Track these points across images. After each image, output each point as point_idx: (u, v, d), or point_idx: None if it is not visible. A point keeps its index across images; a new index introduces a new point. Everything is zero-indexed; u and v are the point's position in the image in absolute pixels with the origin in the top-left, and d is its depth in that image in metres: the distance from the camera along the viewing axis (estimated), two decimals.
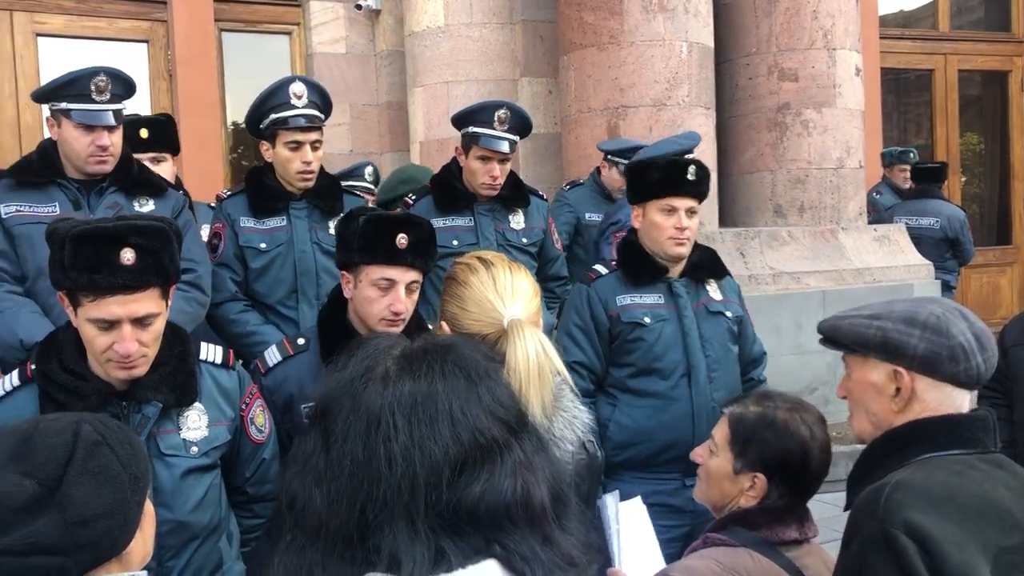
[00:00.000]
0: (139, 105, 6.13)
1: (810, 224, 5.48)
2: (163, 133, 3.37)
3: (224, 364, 1.96)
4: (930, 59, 8.12)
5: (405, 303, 2.11)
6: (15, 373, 1.83)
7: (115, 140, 2.60)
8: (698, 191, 2.61)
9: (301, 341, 2.24)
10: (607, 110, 5.05)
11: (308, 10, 6.38)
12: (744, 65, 5.61)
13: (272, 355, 2.24)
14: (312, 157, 2.82)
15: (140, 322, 1.70)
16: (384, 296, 2.10)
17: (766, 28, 5.50)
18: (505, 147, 3.02)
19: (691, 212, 2.58)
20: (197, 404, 1.86)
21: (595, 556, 0.95)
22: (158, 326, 1.75)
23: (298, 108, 2.81)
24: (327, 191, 2.93)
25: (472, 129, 3.00)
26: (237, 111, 6.51)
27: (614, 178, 4.41)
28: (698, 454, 1.82)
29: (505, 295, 1.62)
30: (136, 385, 1.78)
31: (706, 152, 5.11)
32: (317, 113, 2.85)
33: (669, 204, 2.55)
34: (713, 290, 2.70)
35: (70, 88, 2.53)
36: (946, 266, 5.94)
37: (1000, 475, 1.35)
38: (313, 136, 2.83)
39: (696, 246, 2.70)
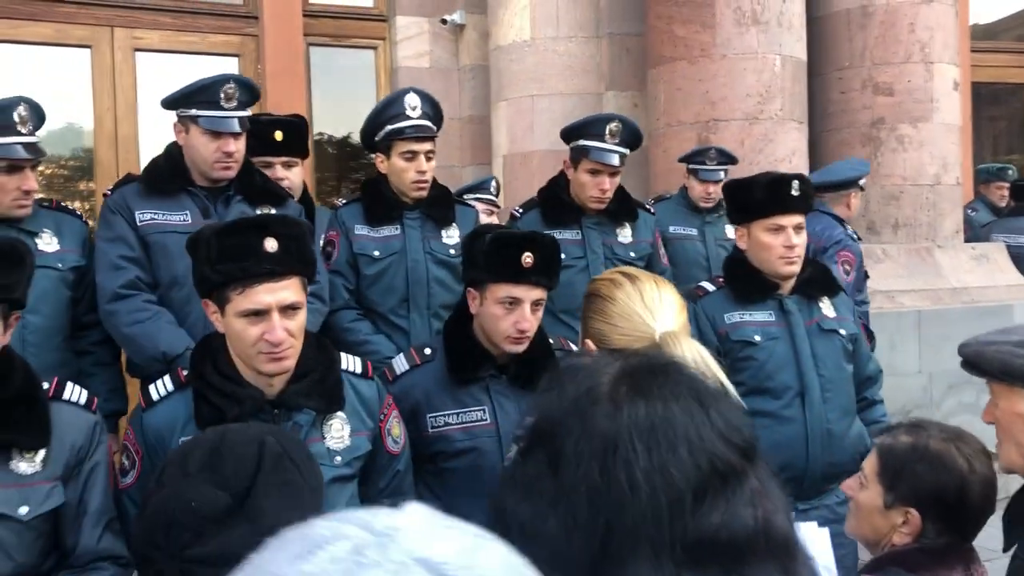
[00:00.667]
0: None
1: (905, 242, 5.34)
2: (298, 136, 3.25)
3: (364, 374, 1.99)
4: (1021, 72, 7.87)
5: (531, 321, 2.12)
6: (167, 378, 1.88)
7: (240, 147, 2.64)
8: (804, 206, 2.56)
9: (428, 351, 2.27)
10: (697, 123, 4.99)
11: (394, 25, 6.46)
12: (837, 79, 5.50)
13: (400, 363, 2.27)
14: (426, 167, 2.86)
15: (287, 311, 1.74)
16: (510, 314, 2.11)
17: (860, 41, 5.39)
18: (616, 160, 2.99)
19: (799, 228, 2.53)
20: (340, 413, 1.88)
21: None
22: (302, 317, 1.80)
23: (413, 119, 2.85)
24: (440, 201, 2.96)
25: (583, 142, 2.99)
26: (323, 123, 6.61)
27: (693, 187, 4.32)
28: (848, 486, 1.74)
29: (654, 308, 1.60)
30: (287, 392, 1.81)
31: (799, 167, 5.01)
32: (430, 124, 2.89)
33: (776, 223, 2.50)
34: (826, 307, 2.64)
35: (200, 95, 2.59)
36: None
37: None
38: (427, 146, 2.87)
39: (808, 261, 2.64)
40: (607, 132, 2.99)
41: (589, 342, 1.67)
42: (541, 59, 5.74)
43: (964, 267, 5.37)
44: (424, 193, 2.91)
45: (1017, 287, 5.46)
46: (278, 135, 3.11)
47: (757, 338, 2.50)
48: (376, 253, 2.91)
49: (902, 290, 5.13)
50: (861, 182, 4.36)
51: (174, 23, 6.05)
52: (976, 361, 1.45)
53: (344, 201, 3.07)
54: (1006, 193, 6.07)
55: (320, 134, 6.53)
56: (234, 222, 1.78)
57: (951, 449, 1.61)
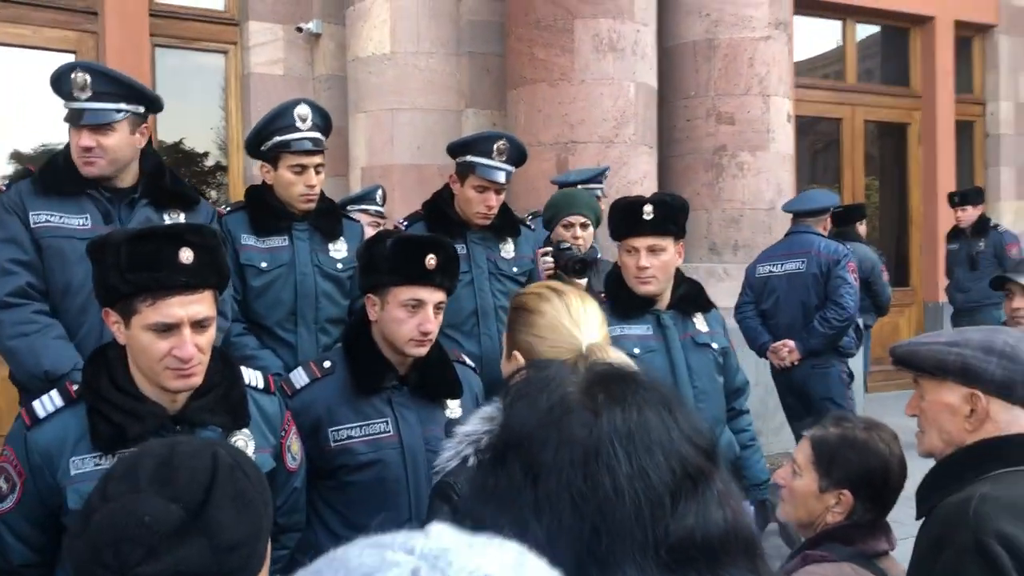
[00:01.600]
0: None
1: (744, 262, 5.68)
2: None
3: (266, 389, 1.93)
4: (839, 108, 8.57)
5: (434, 323, 2.14)
6: (55, 393, 1.75)
7: (107, 142, 2.47)
8: (659, 228, 2.64)
9: (327, 364, 2.23)
10: (557, 144, 5.14)
11: (246, 30, 6.28)
12: (684, 107, 5.81)
13: (299, 377, 2.21)
14: (315, 180, 2.81)
15: (197, 325, 1.67)
16: (413, 317, 2.13)
17: (705, 73, 5.72)
18: (502, 177, 3.05)
19: (653, 250, 2.62)
20: (245, 430, 1.82)
21: None
22: (211, 332, 1.72)
23: (302, 131, 2.79)
24: (328, 214, 2.91)
25: (470, 158, 3.02)
26: (169, 128, 6.32)
27: None
28: (781, 476, 1.92)
29: (580, 320, 1.65)
30: (191, 408, 1.73)
31: (649, 190, 5.25)
32: (321, 136, 2.84)
33: (630, 244, 2.63)
34: (700, 322, 2.79)
35: (58, 87, 2.45)
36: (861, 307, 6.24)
37: None
38: (317, 159, 2.82)
39: (683, 279, 2.79)
40: (495, 150, 3.04)
41: (517, 354, 1.70)
42: (401, 73, 5.75)
43: None
44: (312, 206, 2.85)
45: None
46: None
47: (636, 351, 2.60)
48: (264, 264, 2.83)
49: None
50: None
51: (2, 13, 5.63)
52: (910, 359, 1.63)
53: (229, 208, 2.95)
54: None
55: (163, 140, 6.24)
56: (148, 229, 1.69)
57: (873, 436, 1.83)
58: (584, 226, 3.41)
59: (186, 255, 1.64)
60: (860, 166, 8.74)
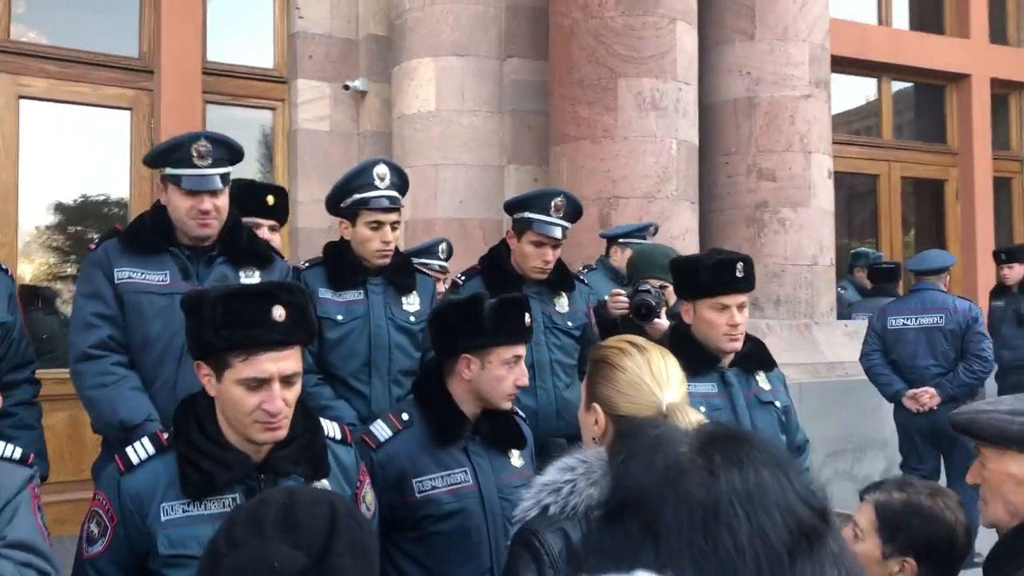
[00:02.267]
0: (121, 173, 6.09)
1: (786, 318, 5.69)
2: (286, 202, 3.34)
3: (343, 440, 1.98)
4: (875, 164, 8.59)
5: (527, 374, 2.29)
6: (146, 441, 1.81)
7: (220, 204, 2.60)
8: (747, 285, 2.73)
9: (405, 416, 2.30)
10: (599, 200, 5.21)
11: (294, 88, 6.45)
12: (724, 163, 5.87)
13: (382, 430, 2.27)
14: (391, 236, 2.89)
15: (286, 380, 1.73)
16: (511, 372, 2.24)
17: (746, 129, 5.79)
18: (559, 233, 3.11)
19: (741, 307, 2.69)
20: (324, 480, 1.86)
21: None
22: (298, 386, 1.78)
23: (380, 190, 2.88)
24: (402, 268, 2.99)
25: (527, 214, 3.09)
26: None
27: (619, 258, 4.53)
28: None
29: (661, 379, 1.68)
30: (274, 457, 1.78)
31: (691, 245, 5.29)
32: (397, 195, 2.93)
33: (721, 302, 2.66)
34: (762, 380, 2.80)
35: (173, 153, 2.55)
36: None
37: None
38: (393, 217, 2.91)
39: (746, 337, 2.80)
40: (552, 206, 3.11)
41: (597, 407, 1.73)
42: (445, 130, 5.87)
43: (839, 342, 5.76)
44: (387, 261, 2.94)
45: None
46: (271, 199, 3.18)
47: (702, 409, 2.61)
48: (339, 317, 2.91)
49: (785, 363, 5.41)
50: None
51: (62, 71, 5.83)
52: (970, 428, 1.62)
53: (307, 264, 3.05)
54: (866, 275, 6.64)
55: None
56: (242, 287, 1.76)
57: (939, 503, 1.82)
58: (663, 287, 3.45)
59: (279, 312, 1.70)
60: (898, 222, 8.73)
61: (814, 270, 5.78)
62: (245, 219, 2.90)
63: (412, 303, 3.00)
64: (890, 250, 8.46)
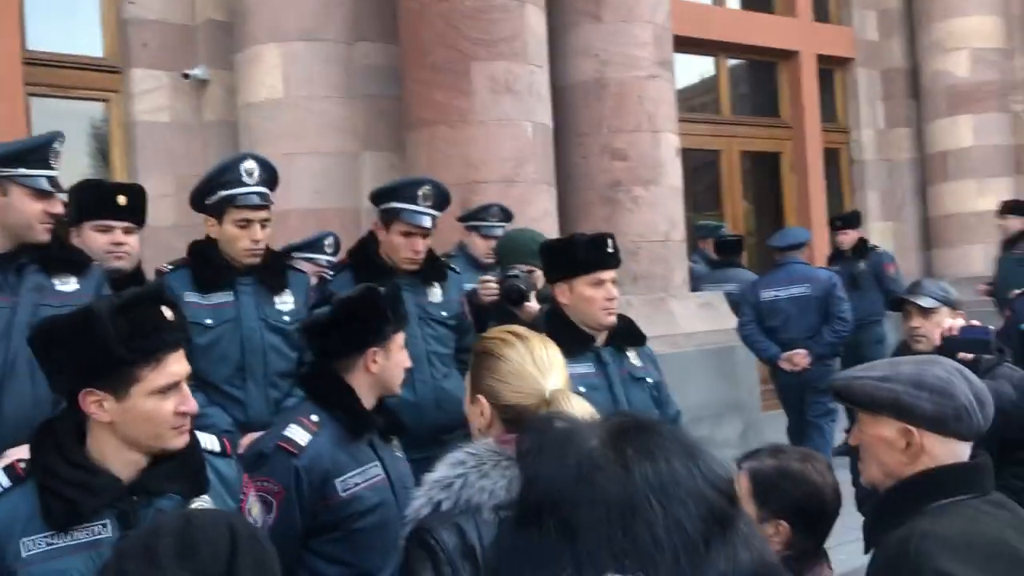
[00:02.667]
0: None
1: (643, 293, 5.85)
2: (141, 202, 3.04)
3: (222, 452, 1.89)
4: (716, 140, 8.95)
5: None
6: (1, 473, 1.66)
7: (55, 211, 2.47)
8: (618, 261, 2.81)
9: (315, 418, 2.25)
10: (459, 185, 5.15)
11: (129, 77, 6.09)
12: (578, 145, 5.96)
13: (300, 434, 2.21)
14: (260, 235, 2.78)
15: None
16: (405, 358, 2.40)
17: (597, 111, 5.89)
18: (428, 222, 3.07)
19: (615, 282, 2.76)
20: (205, 496, 1.77)
21: None
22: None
23: (249, 186, 2.75)
24: (273, 266, 2.87)
25: (395, 204, 3.03)
26: None
27: (476, 244, 4.51)
28: None
29: (543, 367, 1.70)
30: (147, 476, 1.69)
31: (551, 227, 5.36)
32: (267, 190, 2.81)
33: (597, 278, 2.72)
34: (634, 357, 2.88)
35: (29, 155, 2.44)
36: None
37: (1004, 515, 1.57)
38: (263, 214, 2.79)
39: (617, 316, 2.87)
40: (420, 195, 3.06)
41: (482, 398, 1.73)
42: (296, 117, 5.69)
43: (693, 314, 5.99)
44: (257, 260, 2.82)
45: (735, 330, 6.17)
46: (121, 199, 2.93)
47: (582, 389, 2.66)
48: (209, 321, 2.78)
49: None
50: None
51: None
52: (845, 394, 1.69)
53: (171, 266, 2.88)
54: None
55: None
56: (131, 296, 1.67)
57: (808, 467, 1.91)
58: (531, 272, 3.48)
59: (168, 312, 1.65)
60: (738, 195, 9.14)
61: (667, 245, 5.97)
62: (97, 222, 2.77)
63: (286, 302, 2.90)
64: (733, 222, 8.86)
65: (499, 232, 4.30)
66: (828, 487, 1.90)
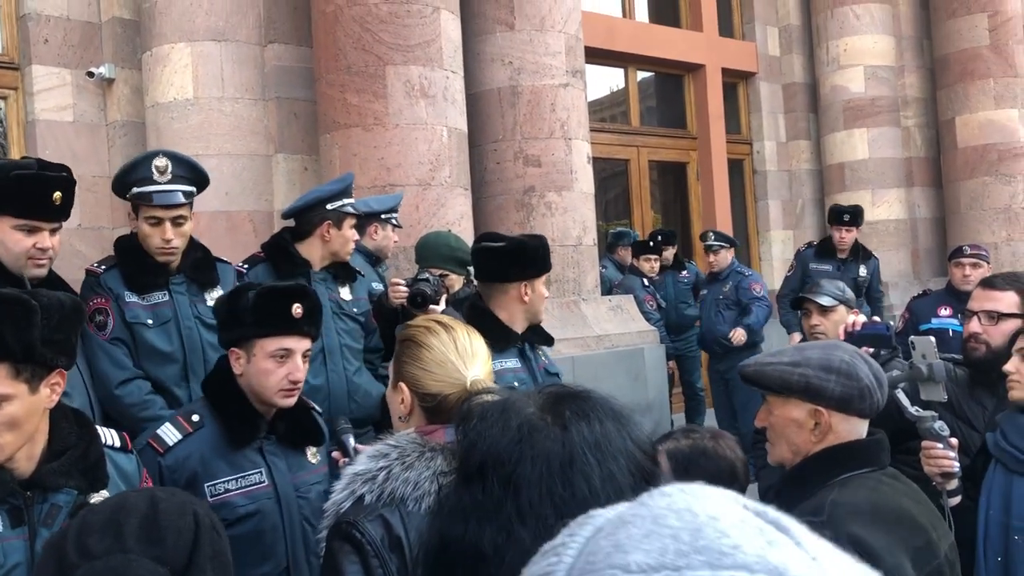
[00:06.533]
0: None
1: (556, 296, 5.95)
2: (72, 196, 2.62)
3: (123, 448, 1.87)
4: (625, 150, 9.17)
5: (303, 371, 2.14)
6: None
7: None
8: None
9: (195, 418, 2.18)
10: (374, 188, 5.19)
11: (29, 74, 5.89)
12: (493, 150, 6.03)
13: (170, 433, 2.13)
14: (172, 234, 2.73)
15: None
16: (281, 367, 2.12)
17: (511, 117, 5.98)
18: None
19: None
20: (103, 491, 1.75)
21: None
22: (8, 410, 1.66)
23: (160, 184, 2.70)
24: (203, 263, 2.83)
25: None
26: None
27: (390, 237, 4.48)
28: None
29: (466, 357, 1.72)
30: (42, 471, 1.65)
31: (466, 230, 5.41)
32: (183, 188, 2.75)
33: (536, 284, 2.91)
34: (543, 354, 2.97)
35: None
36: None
37: (899, 486, 1.70)
38: (175, 212, 2.73)
39: None
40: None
41: (403, 385, 1.74)
42: (206, 118, 5.60)
43: (604, 317, 6.11)
44: (171, 260, 2.78)
45: (644, 332, 6.32)
46: (57, 197, 2.47)
47: (516, 384, 2.72)
48: (150, 321, 2.75)
49: (559, 339, 5.69)
50: None
51: None
52: (757, 379, 1.79)
53: (102, 266, 2.81)
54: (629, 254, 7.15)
55: None
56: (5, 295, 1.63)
57: (720, 444, 2.02)
58: (443, 276, 3.51)
59: None
60: (647, 203, 9.37)
61: (579, 250, 6.09)
62: (20, 220, 2.44)
63: (216, 298, 2.87)
64: (642, 228, 9.07)
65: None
66: (739, 461, 2.01)
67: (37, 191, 2.43)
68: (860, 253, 6.55)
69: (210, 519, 1.11)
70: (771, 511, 0.55)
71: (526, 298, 2.85)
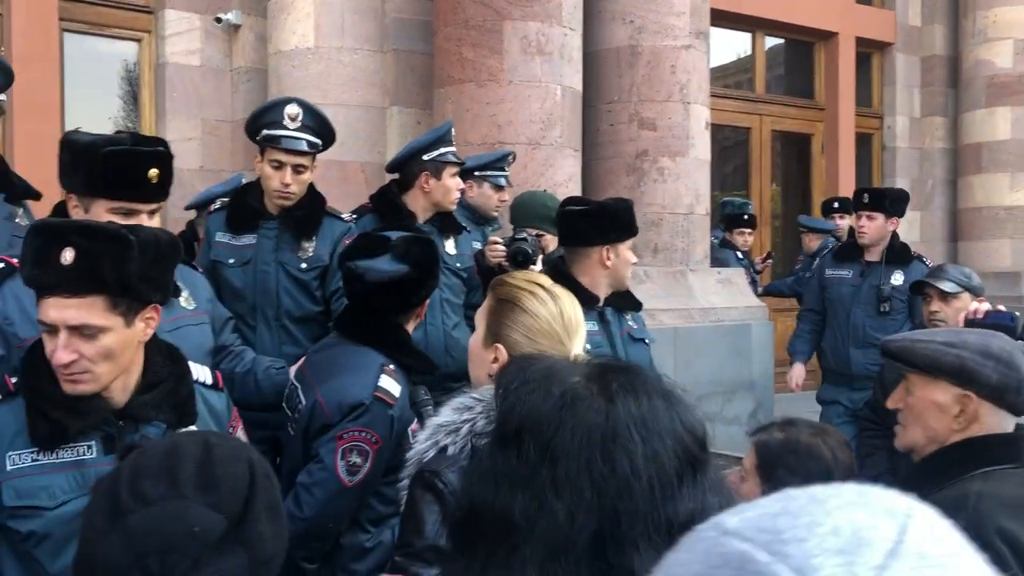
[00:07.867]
0: None
1: (663, 265, 5.82)
2: (171, 172, 2.27)
3: (215, 385, 1.89)
4: (748, 118, 8.85)
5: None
6: None
7: None
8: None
9: (392, 367, 2.32)
10: (484, 145, 5.15)
11: (162, 18, 6.09)
12: (607, 112, 5.91)
13: (392, 385, 2.29)
14: (291, 180, 2.82)
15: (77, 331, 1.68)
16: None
17: (628, 79, 5.83)
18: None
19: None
20: (193, 427, 1.78)
21: None
22: (103, 341, 1.70)
23: (288, 130, 2.78)
24: (306, 212, 2.91)
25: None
26: (77, 117, 6.07)
27: (488, 195, 4.22)
28: (731, 480, 1.92)
29: (571, 328, 1.68)
30: (135, 403, 1.69)
31: (574, 192, 5.32)
32: (310, 138, 2.83)
33: (622, 247, 2.83)
34: (631, 319, 2.91)
35: None
36: None
37: None
38: (298, 160, 2.82)
39: None
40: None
41: (501, 347, 1.71)
42: (325, 68, 5.67)
43: (711, 289, 5.95)
44: (285, 203, 2.88)
45: (753, 308, 6.13)
46: (153, 174, 2.12)
47: (588, 347, 2.67)
48: (231, 261, 2.88)
49: (661, 309, 5.58)
50: None
51: None
52: (903, 355, 1.67)
53: (218, 206, 3.00)
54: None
55: (76, 130, 5.99)
56: (39, 224, 1.69)
57: (818, 442, 1.83)
58: (540, 236, 3.48)
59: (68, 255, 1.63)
60: (767, 174, 9.05)
61: (690, 219, 5.93)
62: (115, 203, 2.12)
63: (307, 249, 2.94)
64: (760, 201, 8.78)
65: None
66: (838, 464, 1.79)
67: (131, 168, 2.13)
68: (898, 254, 4.53)
69: (264, 467, 1.09)
70: None
71: (608, 263, 2.77)
